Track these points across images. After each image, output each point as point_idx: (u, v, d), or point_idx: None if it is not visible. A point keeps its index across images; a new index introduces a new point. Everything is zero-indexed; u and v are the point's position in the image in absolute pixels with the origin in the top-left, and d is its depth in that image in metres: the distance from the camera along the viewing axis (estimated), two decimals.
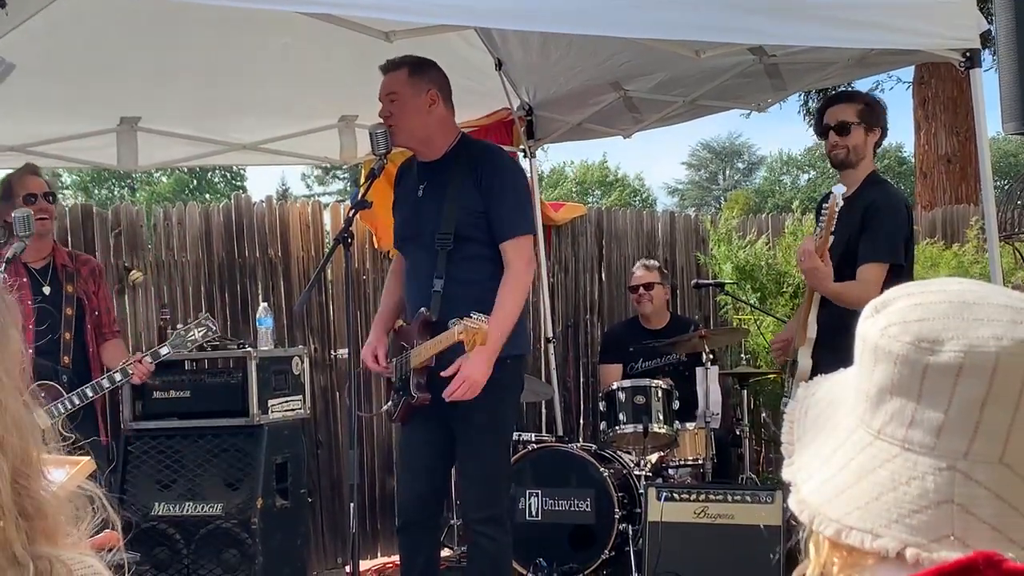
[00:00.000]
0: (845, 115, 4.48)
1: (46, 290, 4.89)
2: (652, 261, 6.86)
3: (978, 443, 0.90)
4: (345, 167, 6.79)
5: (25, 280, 4.82)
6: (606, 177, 46.99)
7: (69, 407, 4.71)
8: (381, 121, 4.23)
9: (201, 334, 4.76)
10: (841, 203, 4.18)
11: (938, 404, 0.91)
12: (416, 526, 4.39)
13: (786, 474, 1.02)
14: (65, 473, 1.72)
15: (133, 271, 6.42)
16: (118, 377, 4.74)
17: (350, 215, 4.25)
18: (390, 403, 4.50)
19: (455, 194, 4.17)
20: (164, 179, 40.43)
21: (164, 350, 4.77)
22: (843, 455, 0.96)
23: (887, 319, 0.95)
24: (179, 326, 4.88)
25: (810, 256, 4.29)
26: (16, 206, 4.75)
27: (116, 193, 41.15)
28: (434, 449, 4.34)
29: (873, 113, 4.48)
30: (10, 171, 5.23)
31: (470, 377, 3.96)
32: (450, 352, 4.01)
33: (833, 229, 4.24)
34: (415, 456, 4.42)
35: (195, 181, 41.20)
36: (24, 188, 4.86)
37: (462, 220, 4.15)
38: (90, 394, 4.74)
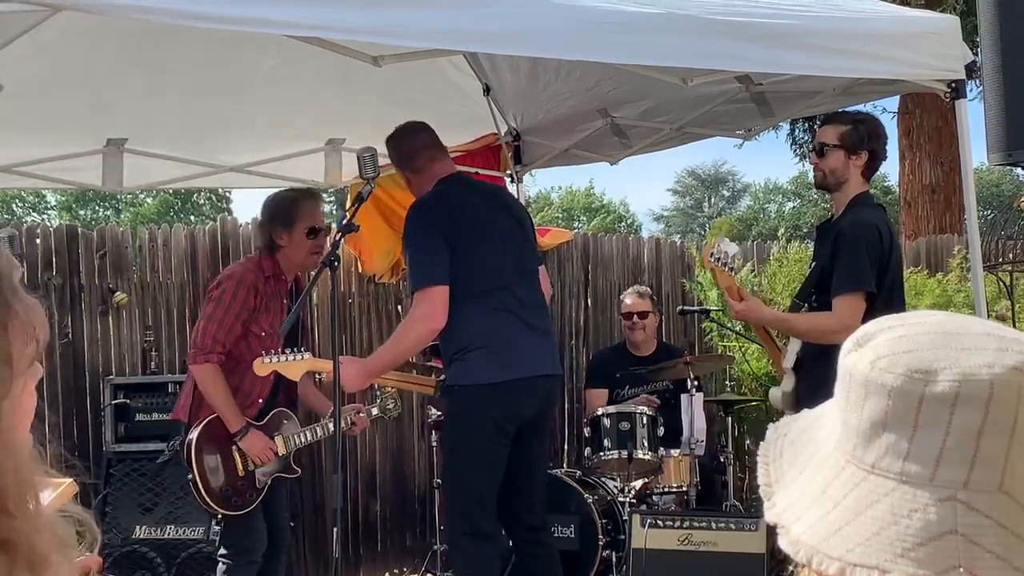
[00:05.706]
0: (825, 136, 4.41)
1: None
2: (645, 288, 6.87)
3: (977, 472, 0.89)
4: (331, 190, 6.76)
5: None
6: (591, 203, 47.08)
7: (303, 441, 4.79)
8: (369, 145, 4.26)
9: (392, 405, 5.11)
10: (721, 254, 4.33)
11: (935, 435, 0.90)
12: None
13: (770, 516, 1.00)
14: (48, 495, 1.71)
15: (117, 293, 6.40)
16: (344, 425, 4.74)
17: (337, 238, 4.25)
18: None
19: None
20: (149, 200, 40.36)
21: (374, 411, 5.04)
22: (834, 493, 0.95)
23: (875, 352, 0.94)
24: (381, 394, 5.15)
25: (731, 305, 4.39)
26: (293, 233, 4.63)
27: (101, 214, 41.03)
28: None
29: (857, 135, 4.34)
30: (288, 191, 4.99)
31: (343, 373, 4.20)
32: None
33: (729, 272, 4.39)
34: None
35: (180, 203, 41.12)
36: (311, 219, 4.66)
37: None
38: (320, 433, 4.82)
